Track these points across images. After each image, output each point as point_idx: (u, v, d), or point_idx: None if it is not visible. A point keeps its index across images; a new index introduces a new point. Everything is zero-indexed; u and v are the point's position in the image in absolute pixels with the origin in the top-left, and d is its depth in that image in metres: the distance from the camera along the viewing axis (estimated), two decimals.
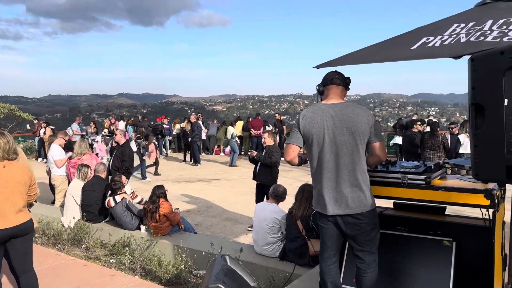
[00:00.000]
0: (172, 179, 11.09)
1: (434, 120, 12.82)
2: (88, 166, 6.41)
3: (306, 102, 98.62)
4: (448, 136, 8.96)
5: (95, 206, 5.96)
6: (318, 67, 2.97)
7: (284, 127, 15.61)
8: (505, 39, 2.23)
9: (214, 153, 16.47)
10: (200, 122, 16.67)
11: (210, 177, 11.52)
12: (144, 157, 11.14)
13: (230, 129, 14.27)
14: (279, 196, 4.76)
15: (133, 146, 11.75)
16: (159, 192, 5.38)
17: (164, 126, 16.19)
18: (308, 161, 2.89)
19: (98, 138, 13.59)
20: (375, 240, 2.80)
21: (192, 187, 10.11)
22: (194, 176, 11.70)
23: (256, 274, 4.09)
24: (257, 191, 6.44)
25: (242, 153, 15.44)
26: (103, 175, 6.36)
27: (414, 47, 2.54)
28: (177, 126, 16.54)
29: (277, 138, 14.90)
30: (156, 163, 11.86)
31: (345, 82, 2.81)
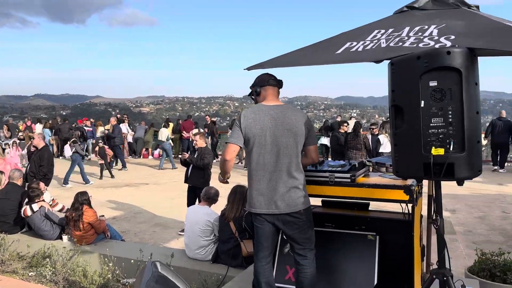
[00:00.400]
0: (97, 185, 10.54)
1: (356, 121, 13.55)
2: (1, 173, 5.87)
3: (236, 104, 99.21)
4: (369, 137, 9.51)
5: (11, 216, 5.48)
6: (249, 69, 2.99)
7: (216, 128, 15.59)
8: (420, 45, 2.40)
9: (142, 156, 15.93)
10: (126, 124, 16.07)
11: (138, 181, 11.12)
12: (83, 161, 10.59)
13: (164, 131, 13.80)
14: (211, 198, 4.72)
15: (68, 150, 11.02)
16: (82, 199, 5.08)
17: (86, 128, 15.36)
18: (245, 162, 2.90)
19: (11, 142, 12.54)
20: (313, 237, 2.90)
21: (118, 192, 9.68)
22: (120, 181, 11.23)
23: (189, 279, 4.01)
24: (188, 194, 6.34)
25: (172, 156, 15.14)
26: (19, 182, 5.86)
27: (339, 51, 2.65)
28: (100, 128, 15.76)
29: (209, 139, 14.88)
30: (105, 166, 11.36)
31: (280, 84, 2.89)
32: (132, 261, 4.42)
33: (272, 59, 2.96)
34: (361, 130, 9.27)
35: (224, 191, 4.73)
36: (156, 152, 16.08)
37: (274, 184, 2.73)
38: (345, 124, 9.78)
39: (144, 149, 16.04)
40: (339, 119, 14.39)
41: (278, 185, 2.73)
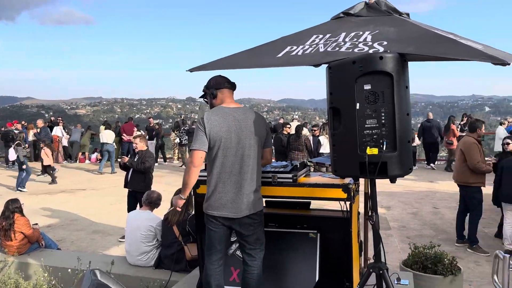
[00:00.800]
0: (30, 192, 9.91)
1: (299, 123, 13.87)
2: None
3: (179, 105, 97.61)
4: (311, 138, 9.79)
5: None
6: (191, 70, 2.97)
7: (161, 130, 15.31)
8: (356, 50, 2.52)
9: (78, 161, 15.20)
10: (60, 127, 15.26)
11: (75, 187, 10.60)
12: (24, 166, 9.84)
13: (109, 132, 13.14)
14: (154, 202, 4.61)
15: (12, 154, 10.20)
16: (13, 207, 4.76)
17: (17, 132, 14.39)
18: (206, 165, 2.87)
19: None
20: (264, 238, 2.94)
21: (53, 199, 9.16)
22: (55, 187, 10.64)
23: (131, 286, 3.90)
24: (129, 199, 6.14)
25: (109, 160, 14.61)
26: None
27: (280, 55, 2.71)
28: (32, 132, 14.83)
29: (154, 142, 14.59)
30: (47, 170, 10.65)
31: (233, 85, 2.91)
32: (70, 270, 4.21)
33: (214, 61, 2.96)
34: (303, 131, 9.52)
35: (168, 194, 4.66)
36: (94, 156, 15.42)
37: (239, 186, 2.74)
38: (288, 126, 9.99)
39: (80, 153, 15.32)
40: (281, 121, 14.67)
41: (243, 188, 2.74)
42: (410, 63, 2.40)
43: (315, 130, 10.06)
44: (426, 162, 13.46)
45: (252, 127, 2.78)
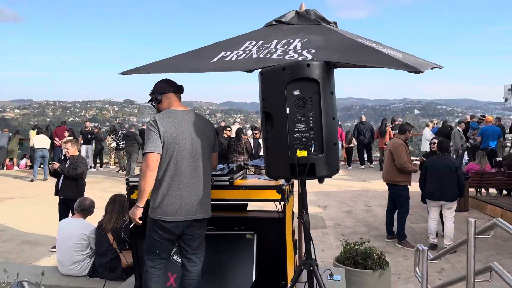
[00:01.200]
0: None
1: (240, 126, 13.98)
2: None
3: (116, 108, 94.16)
4: (251, 141, 9.92)
5: None
6: (124, 73, 2.92)
7: (101, 134, 14.73)
8: (286, 57, 2.62)
9: (5, 167, 14.20)
10: None
11: (2, 195, 9.91)
12: None
13: (43, 137, 12.30)
14: (86, 209, 4.45)
15: None
16: None
17: None
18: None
19: None
20: (205, 243, 2.96)
21: None
22: None
23: None
24: (60, 207, 5.85)
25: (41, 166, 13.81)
26: None
27: (214, 60, 2.75)
28: None
29: (93, 146, 14.01)
30: None
31: (179, 89, 2.91)
32: None
33: (148, 65, 2.93)
34: (243, 134, 9.62)
35: (103, 201, 4.51)
36: (23, 162, 14.50)
37: (192, 189, 2.72)
38: (228, 129, 10.05)
39: (8, 160, 14.32)
40: (223, 124, 14.70)
41: (197, 191, 2.73)
42: (345, 69, 2.53)
43: (256, 133, 10.21)
44: (360, 162, 14.18)
45: (202, 130, 2.81)
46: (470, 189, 8.43)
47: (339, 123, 14.74)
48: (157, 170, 2.67)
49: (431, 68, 2.79)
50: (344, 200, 9.26)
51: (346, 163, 14.38)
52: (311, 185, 2.80)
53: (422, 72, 2.23)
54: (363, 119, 14.17)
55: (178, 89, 2.90)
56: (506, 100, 12.42)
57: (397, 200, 6.12)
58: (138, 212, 2.71)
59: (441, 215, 6.02)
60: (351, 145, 14.04)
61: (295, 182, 3.22)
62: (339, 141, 13.33)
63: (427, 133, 13.01)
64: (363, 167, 13.94)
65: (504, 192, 8.93)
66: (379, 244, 6.18)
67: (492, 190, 9.25)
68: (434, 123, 14.03)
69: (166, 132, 2.68)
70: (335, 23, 3.18)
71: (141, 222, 2.75)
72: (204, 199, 2.78)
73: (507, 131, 12.08)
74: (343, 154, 14.49)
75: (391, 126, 13.06)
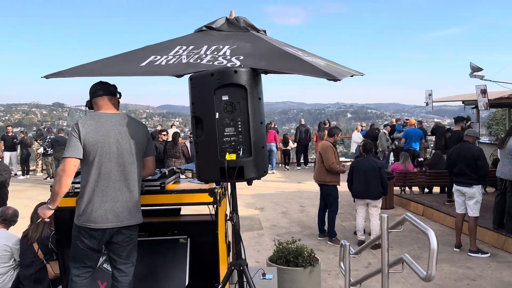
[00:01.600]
0: None
1: (177, 130, 13.83)
2: None
3: (44, 112, 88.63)
4: (188, 144, 9.87)
5: None
6: (47, 77, 2.82)
7: (28, 139, 13.83)
8: (216, 63, 2.68)
9: None
10: None
11: None
12: None
13: None
14: (9, 219, 4.19)
15: None
16: None
17: None
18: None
19: None
20: (136, 251, 2.89)
21: None
22: None
23: None
24: None
25: None
26: None
27: (143, 64, 2.74)
28: None
29: (18, 152, 13.12)
30: None
31: (109, 91, 2.82)
32: None
33: (73, 68, 2.85)
34: (180, 138, 9.54)
35: (29, 210, 4.28)
36: None
37: (119, 195, 2.65)
38: (164, 133, 9.91)
39: None
40: (159, 128, 14.45)
41: (123, 196, 2.67)
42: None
43: (192, 137, 10.17)
44: (297, 164, 14.64)
45: (131, 134, 2.74)
46: (395, 188, 9.03)
47: (275, 126, 15.13)
48: (73, 175, 2.62)
49: (351, 76, 3.00)
50: (280, 202, 9.51)
51: (283, 164, 14.80)
52: (249, 188, 2.87)
53: (339, 80, 2.40)
54: (303, 122, 14.78)
55: (106, 91, 2.83)
56: (427, 104, 13.44)
57: (327, 200, 6.43)
58: (47, 212, 2.68)
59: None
60: (289, 147, 14.48)
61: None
62: (274, 144, 13.73)
63: (356, 136, 13.73)
64: (299, 168, 14.42)
65: (426, 190, 9.67)
66: (312, 242, 6.44)
67: (415, 189, 9.98)
68: (363, 126, 14.83)
69: (87, 135, 2.62)
70: (264, 31, 3.31)
71: (48, 219, 2.74)
72: (132, 205, 2.72)
73: (429, 133, 13.06)
74: (280, 156, 14.89)
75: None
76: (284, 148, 14.47)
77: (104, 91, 2.83)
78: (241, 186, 2.89)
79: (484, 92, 10.63)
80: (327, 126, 12.93)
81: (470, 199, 5.76)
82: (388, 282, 2.53)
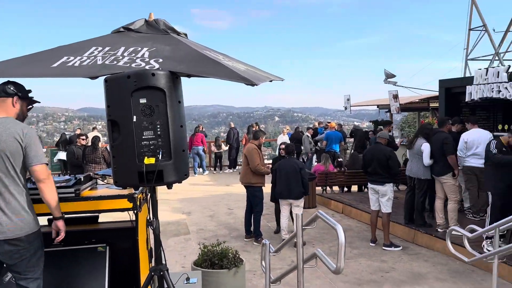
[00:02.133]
0: None
1: (98, 134, 13.22)
2: None
3: None
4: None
5: None
6: None
7: None
8: (133, 65, 2.63)
9: None
10: None
11: None
12: None
13: None
14: None
15: None
16: None
17: None
18: None
19: None
20: (40, 264, 2.69)
21: None
22: None
23: None
24: None
25: None
26: None
27: (55, 65, 2.61)
28: None
29: None
30: None
31: (3, 92, 2.61)
32: None
33: None
34: (100, 143, 9.13)
35: None
36: None
37: None
38: (83, 137, 9.42)
39: None
40: (78, 131, 13.71)
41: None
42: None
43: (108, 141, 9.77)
44: (230, 166, 14.85)
45: (7, 139, 2.53)
46: (317, 188, 9.44)
47: (203, 129, 15.13)
48: None
49: (270, 81, 3.10)
50: (208, 205, 9.48)
51: (213, 168, 14.88)
52: (177, 192, 2.85)
53: (257, 85, 2.48)
54: (232, 125, 15.00)
55: (4, 93, 2.65)
56: (346, 108, 14.23)
57: (253, 201, 6.55)
58: None
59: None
60: (221, 150, 14.55)
61: (159, 189, 3.22)
62: (201, 147, 13.74)
63: (282, 139, 14.15)
64: (232, 171, 14.57)
65: (346, 189, 10.22)
66: (239, 244, 6.51)
67: (336, 188, 10.51)
68: (288, 129, 15.33)
69: None
70: (185, 34, 3.30)
71: None
72: (10, 219, 2.52)
73: (348, 135, 13.82)
74: (209, 159, 14.93)
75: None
76: (217, 151, 14.53)
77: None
78: (168, 191, 2.83)
79: (395, 97, 11.52)
80: (255, 129, 13.18)
81: (383, 197, 6.19)
82: (303, 277, 2.65)
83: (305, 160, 12.97)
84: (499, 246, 3.93)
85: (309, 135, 13.06)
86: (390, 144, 8.09)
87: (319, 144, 12.65)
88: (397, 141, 12.33)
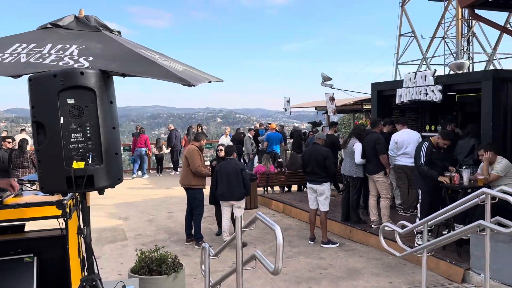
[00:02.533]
0: None
1: (27, 136, 12.38)
2: None
3: None
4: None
5: None
6: None
7: None
8: (61, 63, 2.47)
9: None
10: None
11: None
12: None
13: None
14: None
15: None
16: None
17: None
18: None
19: None
20: None
21: None
22: None
23: None
24: None
25: None
26: None
27: None
28: None
29: None
30: None
31: None
32: None
33: None
34: (28, 146, 8.56)
35: None
36: None
37: None
38: (9, 140, 8.78)
39: None
40: (4, 134, 12.79)
41: None
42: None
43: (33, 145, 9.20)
44: (174, 169, 14.63)
45: None
46: (258, 188, 9.52)
47: (143, 131, 14.69)
48: None
49: (209, 82, 3.06)
50: (146, 209, 9.21)
51: (155, 170, 14.55)
52: (113, 197, 2.71)
53: (194, 86, 2.43)
54: (172, 127, 14.72)
55: None
56: (285, 110, 14.49)
57: (193, 203, 6.47)
58: None
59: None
60: (162, 152, 14.22)
61: (92, 194, 3.05)
62: (145, 149, 13.39)
63: (224, 140, 14.11)
64: (176, 173, 14.29)
65: (286, 189, 10.41)
66: (179, 248, 6.39)
67: (277, 188, 10.67)
68: (229, 131, 15.33)
69: None
70: (119, 32, 3.17)
71: None
72: None
73: (288, 136, 14.09)
74: (148, 162, 14.55)
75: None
76: (158, 153, 14.18)
77: None
78: (104, 196, 2.69)
79: (332, 99, 11.93)
80: (196, 130, 13.04)
81: (320, 195, 6.38)
82: (242, 280, 2.64)
83: (247, 161, 13.04)
84: (428, 240, 4.18)
85: (251, 136, 13.15)
86: (334, 145, 8.38)
87: (260, 145, 12.78)
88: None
